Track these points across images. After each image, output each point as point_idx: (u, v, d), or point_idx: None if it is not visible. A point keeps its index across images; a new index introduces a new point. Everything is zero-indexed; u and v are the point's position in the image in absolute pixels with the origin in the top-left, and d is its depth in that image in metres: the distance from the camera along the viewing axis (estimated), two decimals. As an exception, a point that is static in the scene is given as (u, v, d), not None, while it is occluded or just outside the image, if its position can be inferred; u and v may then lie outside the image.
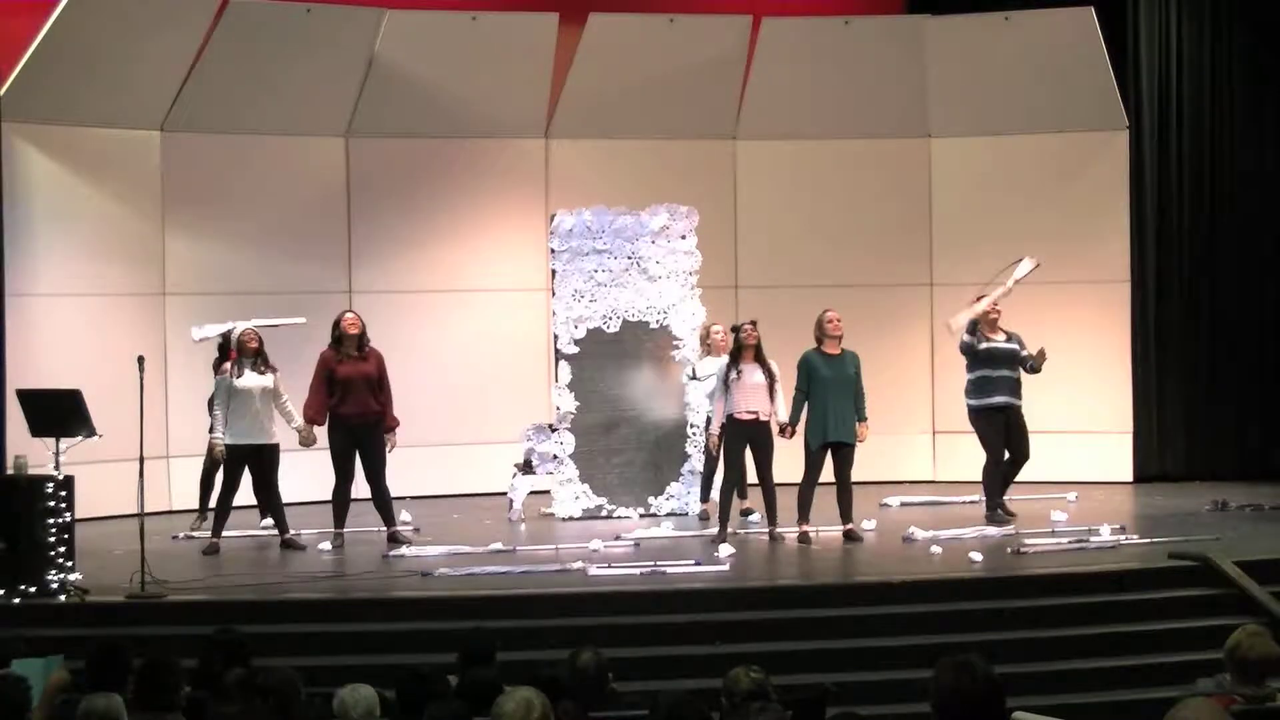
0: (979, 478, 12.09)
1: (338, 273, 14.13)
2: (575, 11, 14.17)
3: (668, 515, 12.65)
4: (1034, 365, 11.93)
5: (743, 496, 12.01)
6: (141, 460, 9.74)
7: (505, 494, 12.85)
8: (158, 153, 13.51)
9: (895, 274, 14.69)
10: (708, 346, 12.49)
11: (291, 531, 11.41)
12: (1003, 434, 11.84)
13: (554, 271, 13.05)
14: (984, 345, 11.86)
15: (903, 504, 13.06)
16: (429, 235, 14.40)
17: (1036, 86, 14.46)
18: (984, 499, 11.97)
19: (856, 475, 11.29)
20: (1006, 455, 11.89)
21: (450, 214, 14.45)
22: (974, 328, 11.92)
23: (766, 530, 11.33)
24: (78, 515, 9.73)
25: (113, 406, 10.68)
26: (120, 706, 5.36)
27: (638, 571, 9.98)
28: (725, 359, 11.51)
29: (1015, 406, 11.91)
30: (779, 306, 13.25)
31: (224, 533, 11.40)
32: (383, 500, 11.32)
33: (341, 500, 11.35)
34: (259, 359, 11.32)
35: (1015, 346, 11.94)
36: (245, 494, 11.53)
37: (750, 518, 12.07)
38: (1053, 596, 9.55)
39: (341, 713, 5.58)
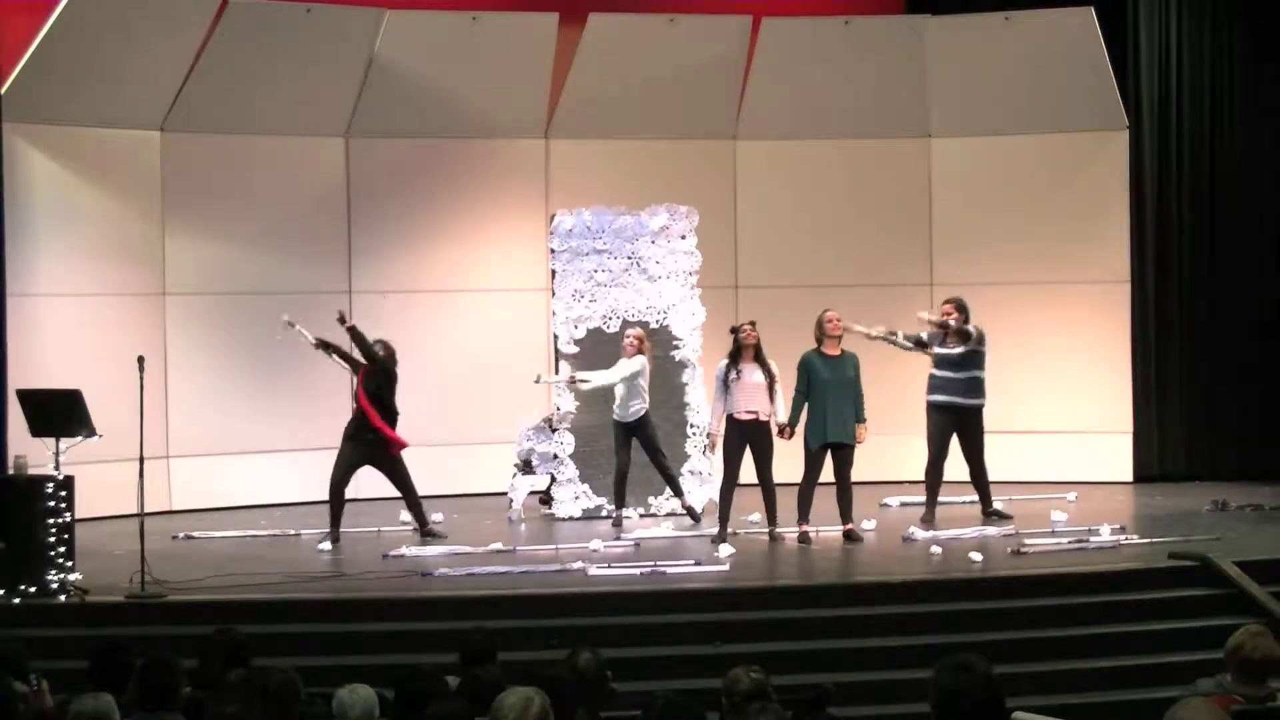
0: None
1: (338, 273, 14.11)
2: (575, 11, 14.17)
3: (667, 515, 12.65)
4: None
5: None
6: (141, 460, 9.73)
7: (505, 494, 12.86)
8: (158, 153, 13.50)
9: (895, 274, 14.66)
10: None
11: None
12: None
13: (554, 271, 13.06)
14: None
15: (903, 504, 13.02)
16: (429, 235, 14.39)
17: (1036, 86, 14.46)
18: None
19: (856, 475, 11.29)
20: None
21: (450, 214, 14.44)
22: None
23: (766, 530, 11.34)
24: (78, 515, 9.75)
25: (113, 406, 10.66)
26: (111, 705, 5.35)
27: (638, 571, 9.99)
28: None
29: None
30: (779, 306, 13.25)
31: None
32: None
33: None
34: None
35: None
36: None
37: (750, 517, 12.00)
38: (1053, 596, 9.55)
39: (340, 713, 5.57)
